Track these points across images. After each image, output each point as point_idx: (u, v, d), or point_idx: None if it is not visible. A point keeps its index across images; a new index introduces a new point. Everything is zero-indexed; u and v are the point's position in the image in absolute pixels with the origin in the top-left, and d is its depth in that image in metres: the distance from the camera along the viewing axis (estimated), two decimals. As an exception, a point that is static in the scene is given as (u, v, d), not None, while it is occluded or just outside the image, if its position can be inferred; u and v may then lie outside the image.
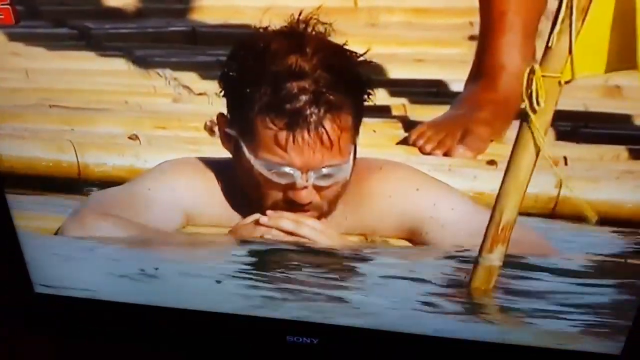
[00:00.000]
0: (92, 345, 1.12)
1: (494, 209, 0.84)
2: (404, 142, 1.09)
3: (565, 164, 1.03)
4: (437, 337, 0.95)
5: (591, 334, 0.91)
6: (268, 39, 0.88)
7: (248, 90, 0.89)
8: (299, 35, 0.88)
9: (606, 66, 0.77)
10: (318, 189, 0.92)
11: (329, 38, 0.89)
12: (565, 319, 0.91)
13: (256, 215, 0.95)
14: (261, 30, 0.89)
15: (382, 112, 1.14)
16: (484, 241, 0.85)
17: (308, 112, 0.87)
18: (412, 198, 0.96)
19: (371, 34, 1.17)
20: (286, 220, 0.94)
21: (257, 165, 0.91)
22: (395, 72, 1.17)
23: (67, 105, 1.13)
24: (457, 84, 1.13)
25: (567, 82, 0.77)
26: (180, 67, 1.19)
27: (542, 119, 0.78)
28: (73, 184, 1.05)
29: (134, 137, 1.09)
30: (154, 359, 1.11)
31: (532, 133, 0.79)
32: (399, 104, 1.15)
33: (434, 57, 1.18)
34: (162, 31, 1.21)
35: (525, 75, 0.77)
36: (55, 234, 0.99)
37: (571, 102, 1.01)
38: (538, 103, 0.77)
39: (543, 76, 0.76)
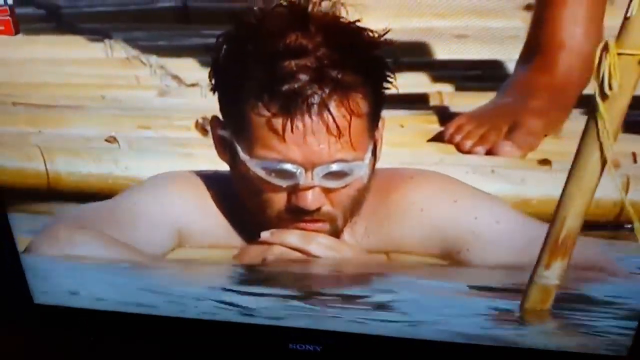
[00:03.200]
0: (93, 354, 1.23)
1: (554, 216, 0.85)
2: (438, 138, 1.13)
3: (635, 161, 1.06)
4: (443, 342, 1.03)
5: (596, 335, 0.98)
6: (262, 15, 0.91)
7: (239, 75, 0.92)
8: (300, 11, 0.91)
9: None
10: (327, 191, 0.95)
11: (343, 13, 0.92)
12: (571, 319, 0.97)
13: (265, 234, 1.00)
14: (255, 8, 0.92)
15: (413, 102, 1.17)
16: (540, 255, 0.87)
17: (309, 92, 0.89)
18: (449, 211, 1.00)
19: (401, 3, 1.21)
20: (291, 234, 0.98)
21: (254, 166, 0.94)
22: (431, 52, 1.20)
23: (33, 102, 1.17)
24: (508, 65, 1.15)
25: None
26: (169, 53, 1.23)
27: (614, 107, 0.79)
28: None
29: (112, 140, 1.14)
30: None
31: (598, 125, 0.79)
32: (434, 92, 1.18)
33: (480, 32, 1.20)
34: (147, 8, 1.24)
35: (597, 52, 0.77)
36: (24, 252, 1.06)
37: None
38: (611, 87, 0.77)
39: (619, 54, 0.77)
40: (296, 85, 0.89)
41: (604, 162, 0.82)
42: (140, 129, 1.17)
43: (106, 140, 1.14)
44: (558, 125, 1.07)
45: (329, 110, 0.90)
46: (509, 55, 1.13)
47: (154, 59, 1.24)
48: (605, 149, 0.81)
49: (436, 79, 1.19)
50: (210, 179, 1.05)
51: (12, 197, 1.09)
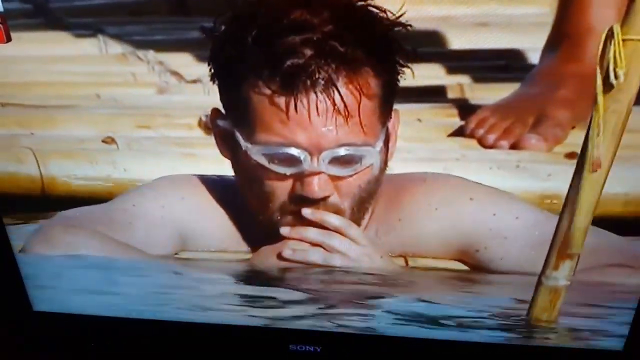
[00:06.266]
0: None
1: (561, 214, 0.89)
2: (459, 132, 1.17)
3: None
4: (443, 341, 1.08)
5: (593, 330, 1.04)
6: None
7: (238, 56, 0.93)
8: None
9: None
10: (335, 180, 0.97)
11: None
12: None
13: (285, 230, 1.01)
14: None
15: (431, 94, 1.21)
16: (547, 256, 0.91)
17: (313, 67, 0.90)
18: (465, 209, 1.03)
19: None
20: (312, 229, 1.00)
21: (255, 154, 0.96)
22: (450, 41, 1.23)
23: (23, 102, 1.21)
24: (534, 54, 1.18)
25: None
26: (167, 48, 1.27)
27: (621, 98, 0.82)
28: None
29: (109, 141, 1.18)
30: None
31: (596, 117, 0.83)
32: (454, 84, 1.22)
33: (503, 19, 1.23)
34: (142, 0, 1.29)
35: (602, 39, 0.80)
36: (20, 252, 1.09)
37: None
38: (616, 76, 0.80)
39: (624, 40, 0.79)
40: (300, 61, 0.90)
41: (615, 152, 0.85)
42: (139, 128, 1.20)
43: (103, 141, 1.18)
44: (586, 116, 1.07)
45: (336, 87, 0.91)
46: (533, 44, 1.17)
47: (151, 54, 1.28)
48: (593, 146, 0.84)
49: (456, 70, 1.22)
50: (213, 183, 1.08)
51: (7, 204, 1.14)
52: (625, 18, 0.79)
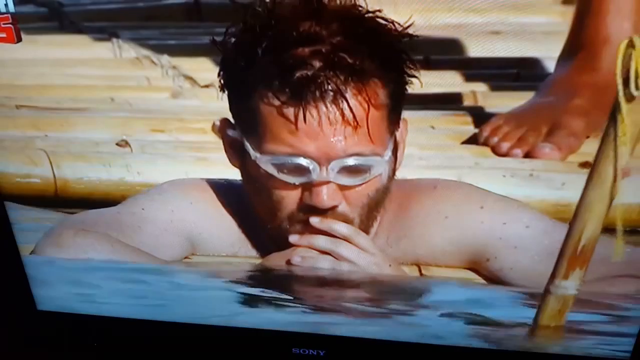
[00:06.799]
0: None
1: (572, 223, 0.89)
2: (473, 140, 1.17)
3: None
4: (449, 346, 1.08)
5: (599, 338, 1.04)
6: (274, 4, 0.94)
7: (248, 66, 0.95)
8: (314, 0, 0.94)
9: None
10: (343, 189, 0.98)
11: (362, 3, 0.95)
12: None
13: (294, 237, 1.02)
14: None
15: (445, 102, 1.22)
16: (557, 265, 0.91)
17: (322, 78, 0.91)
18: (475, 218, 1.03)
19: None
20: (321, 237, 1.01)
21: (264, 164, 0.97)
22: (463, 49, 1.24)
23: (37, 105, 1.23)
24: (546, 63, 1.20)
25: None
26: (181, 52, 1.28)
27: (638, 110, 0.83)
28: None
29: (123, 144, 1.19)
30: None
31: (616, 129, 0.83)
32: (467, 92, 1.23)
33: (515, 28, 1.24)
34: (156, 5, 1.31)
35: (621, 49, 0.81)
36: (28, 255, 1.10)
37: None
38: (637, 87, 0.81)
39: None
40: (309, 72, 0.91)
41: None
42: (153, 132, 1.22)
43: (117, 144, 1.19)
44: (600, 125, 1.08)
45: (344, 98, 0.92)
46: (546, 53, 1.18)
47: (165, 58, 1.29)
48: (618, 156, 0.84)
49: (469, 77, 1.23)
50: (222, 188, 1.09)
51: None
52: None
